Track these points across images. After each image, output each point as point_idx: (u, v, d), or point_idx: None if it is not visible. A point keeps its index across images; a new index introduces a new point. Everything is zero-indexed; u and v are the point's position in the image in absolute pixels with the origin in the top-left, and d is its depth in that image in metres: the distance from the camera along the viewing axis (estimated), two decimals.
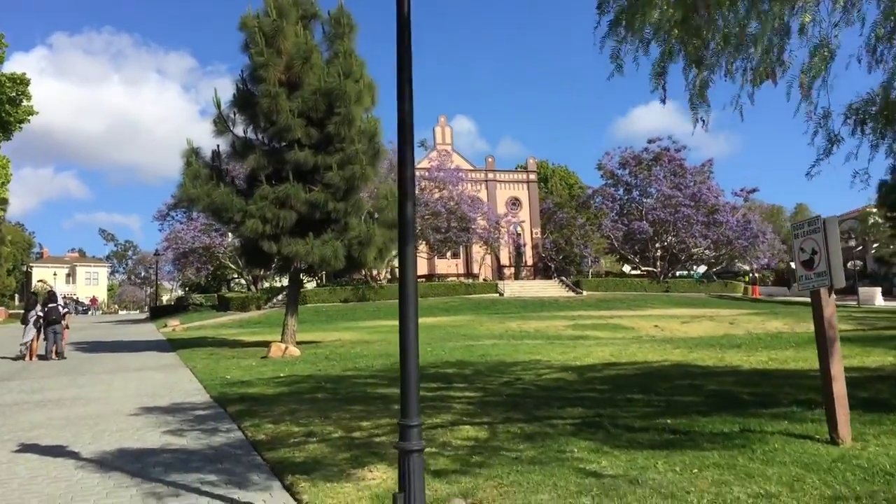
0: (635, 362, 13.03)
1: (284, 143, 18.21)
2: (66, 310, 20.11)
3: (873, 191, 43.46)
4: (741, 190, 54.82)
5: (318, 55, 18.46)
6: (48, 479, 5.98)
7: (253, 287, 50.57)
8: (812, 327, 19.23)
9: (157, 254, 56.70)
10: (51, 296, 19.43)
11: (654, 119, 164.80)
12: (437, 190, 46.05)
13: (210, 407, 9.65)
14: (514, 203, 56.19)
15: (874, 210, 54.21)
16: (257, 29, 17.71)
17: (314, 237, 17.61)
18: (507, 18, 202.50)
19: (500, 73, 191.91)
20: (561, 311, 33.54)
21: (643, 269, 54.29)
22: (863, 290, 41.05)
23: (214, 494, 5.36)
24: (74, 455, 6.83)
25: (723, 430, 6.63)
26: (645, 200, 53.08)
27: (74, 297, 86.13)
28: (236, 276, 56.75)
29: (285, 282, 33.67)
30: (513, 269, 54.55)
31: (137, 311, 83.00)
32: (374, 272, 42.67)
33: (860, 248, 59.03)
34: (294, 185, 17.46)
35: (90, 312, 79.67)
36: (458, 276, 51.25)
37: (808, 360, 12.02)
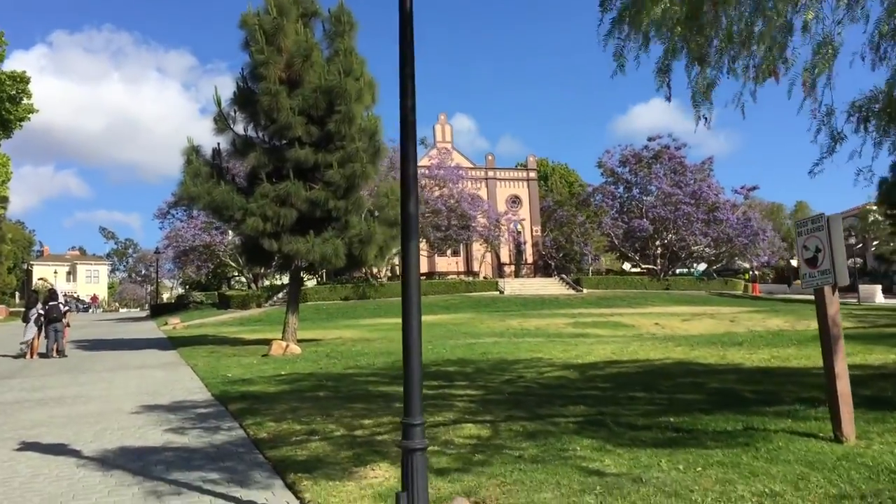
0: (637, 360, 13.01)
1: (285, 141, 18.18)
2: (67, 308, 20.10)
3: (873, 188, 43.47)
4: (741, 188, 54.92)
5: (318, 53, 18.42)
6: (50, 478, 5.97)
7: (253, 285, 50.57)
8: (813, 325, 19.11)
9: (157, 252, 56.66)
10: (52, 294, 19.42)
11: (654, 117, 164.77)
12: (437, 188, 46.05)
13: (211, 405, 9.63)
14: (515, 201, 56.17)
15: (874, 207, 54.21)
16: (258, 27, 17.66)
17: (315, 235, 17.59)
18: (506, 16, 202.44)
19: (500, 71, 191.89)
20: (561, 309, 33.55)
21: (643, 266, 54.29)
22: (863, 288, 41.04)
23: (216, 493, 5.34)
24: (76, 453, 6.82)
25: (726, 428, 6.61)
26: (645, 198, 53.09)
27: (75, 295, 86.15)
28: (237, 274, 56.74)
29: (285, 280, 33.67)
30: (513, 267, 54.56)
31: (138, 309, 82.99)
32: (375, 270, 42.66)
33: (860, 245, 58.96)
34: (295, 183, 17.43)
35: (91, 310, 79.65)
36: (458, 273, 51.26)
37: (810, 357, 12.01)
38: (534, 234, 56.00)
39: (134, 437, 7.52)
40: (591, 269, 53.72)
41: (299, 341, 18.57)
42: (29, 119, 39.15)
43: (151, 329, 32.83)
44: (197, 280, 61.76)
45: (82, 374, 14.22)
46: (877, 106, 7.38)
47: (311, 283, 43.39)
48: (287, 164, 17.72)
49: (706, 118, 7.20)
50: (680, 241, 51.15)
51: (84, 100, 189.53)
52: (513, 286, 45.78)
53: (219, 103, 18.39)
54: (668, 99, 6.88)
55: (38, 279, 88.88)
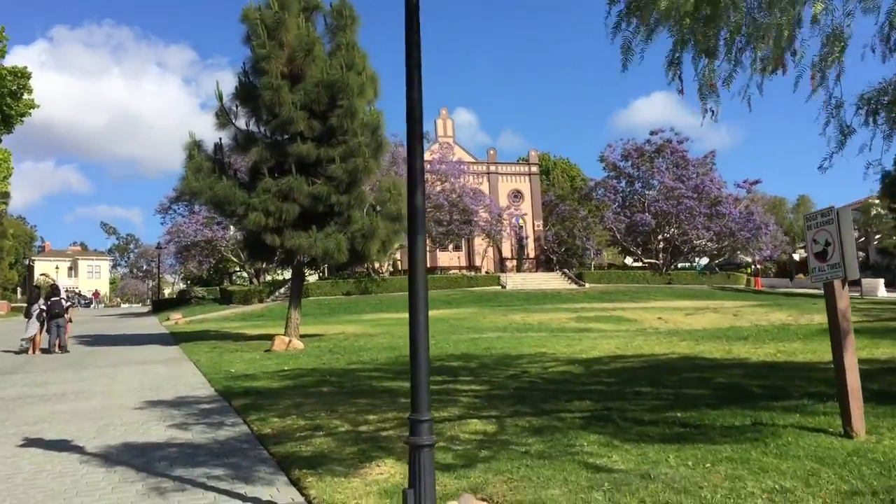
0: (642, 355, 12.96)
1: (287, 136, 18.12)
2: (69, 303, 20.08)
3: (874, 182, 43.39)
4: (744, 181, 54.76)
5: (320, 47, 18.34)
6: (53, 474, 5.93)
7: (255, 280, 50.56)
8: (817, 319, 19.06)
9: (158, 247, 56.71)
10: (54, 289, 19.41)
11: (655, 111, 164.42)
12: (439, 182, 45.98)
13: (215, 401, 9.59)
14: (516, 195, 56.11)
15: (877, 201, 54.12)
16: (259, 21, 17.58)
17: (317, 230, 17.54)
18: (506, 10, 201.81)
19: (500, 66, 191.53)
20: (564, 304, 33.48)
21: (645, 261, 54.22)
22: (866, 282, 40.96)
23: (220, 489, 5.30)
24: (79, 449, 6.78)
25: (734, 423, 6.56)
26: (647, 192, 52.97)
27: (77, 291, 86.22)
28: (238, 269, 56.76)
29: (287, 275, 33.64)
30: (515, 262, 54.54)
31: (140, 305, 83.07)
32: (377, 265, 42.63)
33: (863, 239, 58.92)
34: (297, 178, 17.37)
35: (92, 306, 79.73)
36: (460, 268, 51.25)
37: (816, 352, 11.97)
38: (536, 228, 55.94)
39: (137, 433, 7.48)
40: (593, 263, 53.69)
41: (302, 336, 18.54)
42: (30, 114, 39.15)
43: (153, 324, 32.82)
44: (199, 275, 61.83)
45: (85, 370, 14.19)
46: (886, 98, 7.28)
47: (312, 278, 43.37)
48: (289, 159, 17.65)
49: (713, 111, 7.12)
50: (682, 235, 51.06)
51: (84, 95, 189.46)
52: (515, 281, 45.72)
53: (220, 98, 18.31)
54: (681, 92, 6.80)
55: (40, 275, 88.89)
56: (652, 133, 53.19)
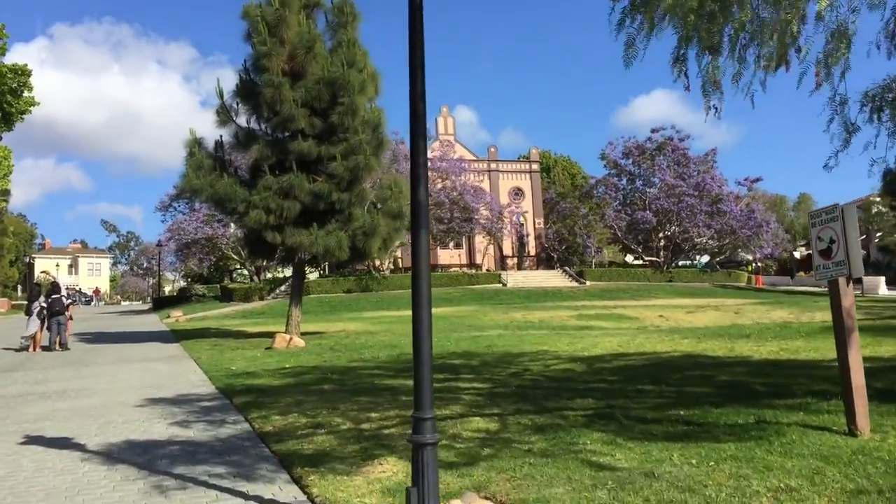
0: (644, 353, 12.93)
1: (288, 134, 18.09)
2: (70, 300, 20.05)
3: (877, 180, 43.27)
4: (745, 179, 54.70)
5: (321, 44, 18.30)
6: (54, 472, 5.91)
7: (255, 278, 50.52)
8: (818, 316, 19.02)
9: (159, 245, 56.68)
10: (54, 287, 19.41)
11: (656, 108, 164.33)
12: (439, 180, 45.91)
13: (216, 398, 9.57)
14: (517, 193, 56.05)
15: (878, 199, 54.03)
16: (260, 18, 17.55)
17: (318, 228, 17.52)
18: (507, 7, 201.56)
19: (501, 63, 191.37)
20: (565, 302, 33.45)
21: (646, 258, 54.16)
22: (867, 280, 40.85)
23: (222, 487, 5.27)
24: (80, 447, 6.76)
25: (737, 421, 6.52)
26: (648, 190, 52.89)
27: (77, 289, 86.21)
28: (239, 266, 56.71)
29: (287, 272, 33.60)
30: (516, 260, 54.48)
31: (140, 302, 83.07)
32: (378, 262, 42.59)
33: (864, 237, 58.81)
34: (298, 176, 17.35)
35: (93, 303, 79.73)
36: (460, 266, 51.19)
37: (819, 350, 11.93)
38: (536, 226, 55.88)
39: (139, 431, 7.46)
40: (593, 261, 53.62)
41: (303, 334, 18.52)
42: (30, 112, 39.12)
43: (154, 322, 32.81)
44: (199, 273, 61.78)
45: (85, 367, 14.18)
46: (890, 95, 7.25)
47: (313, 275, 43.32)
48: (290, 157, 17.62)
49: (717, 108, 7.09)
50: (683, 232, 51.00)
51: (85, 92, 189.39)
52: (515, 279, 45.67)
53: (221, 95, 18.29)
54: (687, 88, 6.77)
55: (41, 272, 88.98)
56: (653, 131, 53.14)
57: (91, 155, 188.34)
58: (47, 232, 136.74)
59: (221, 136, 18.75)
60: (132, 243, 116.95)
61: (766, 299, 33.68)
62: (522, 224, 55.19)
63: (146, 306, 59.61)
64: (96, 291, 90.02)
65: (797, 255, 64.73)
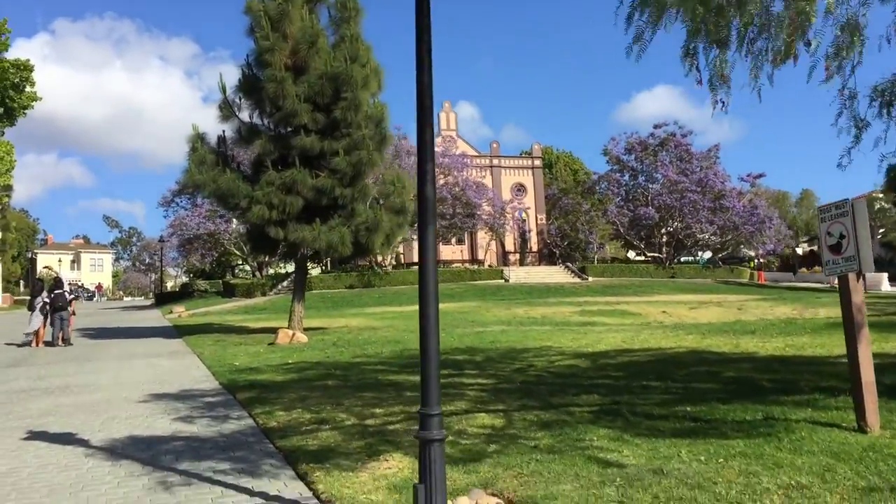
0: (648, 349, 12.87)
1: (290, 129, 18.02)
2: (73, 296, 20.03)
3: (881, 176, 43.17)
4: (748, 175, 54.59)
5: (324, 39, 18.22)
6: (58, 468, 5.87)
7: (258, 273, 50.50)
8: (822, 312, 18.94)
9: (161, 240, 56.61)
10: (57, 282, 19.33)
11: (658, 104, 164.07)
12: (442, 176, 45.82)
13: (219, 394, 9.54)
14: (519, 189, 55.94)
15: (881, 195, 53.91)
16: (262, 13, 17.47)
17: (321, 223, 17.46)
18: (509, 1, 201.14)
19: (503, 59, 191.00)
20: (567, 298, 33.41)
21: (648, 255, 54.08)
22: (869, 276, 40.73)
23: (227, 483, 5.24)
24: (84, 443, 6.73)
25: (745, 417, 6.47)
26: (651, 186, 52.80)
27: (79, 284, 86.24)
28: (241, 262, 56.65)
29: (290, 268, 33.61)
30: (518, 256, 54.41)
31: (142, 298, 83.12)
32: (380, 258, 42.56)
33: None
34: (300, 171, 17.29)
35: (95, 299, 79.77)
36: (463, 262, 51.13)
37: (825, 346, 11.88)
38: (539, 222, 55.80)
39: (142, 427, 7.43)
40: (596, 257, 53.54)
41: (305, 329, 18.49)
42: (32, 107, 39.08)
43: (156, 317, 32.81)
44: (201, 268, 61.71)
45: (88, 363, 14.15)
46: None
47: (315, 271, 43.28)
48: (293, 152, 17.56)
49: (724, 102, 7.02)
50: (686, 228, 50.91)
51: (87, 88, 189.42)
52: (518, 274, 45.62)
53: (224, 90, 18.25)
54: (700, 83, 6.70)
55: (43, 267, 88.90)
56: (655, 126, 53.01)
57: (93, 150, 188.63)
58: (50, 227, 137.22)
59: (224, 132, 18.70)
60: (134, 239, 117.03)
61: (769, 295, 33.62)
62: (524, 220, 55.12)
63: (148, 302, 59.65)
64: (98, 287, 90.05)
65: (800, 251, 64.62)
